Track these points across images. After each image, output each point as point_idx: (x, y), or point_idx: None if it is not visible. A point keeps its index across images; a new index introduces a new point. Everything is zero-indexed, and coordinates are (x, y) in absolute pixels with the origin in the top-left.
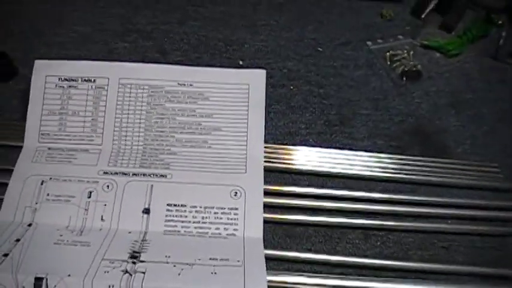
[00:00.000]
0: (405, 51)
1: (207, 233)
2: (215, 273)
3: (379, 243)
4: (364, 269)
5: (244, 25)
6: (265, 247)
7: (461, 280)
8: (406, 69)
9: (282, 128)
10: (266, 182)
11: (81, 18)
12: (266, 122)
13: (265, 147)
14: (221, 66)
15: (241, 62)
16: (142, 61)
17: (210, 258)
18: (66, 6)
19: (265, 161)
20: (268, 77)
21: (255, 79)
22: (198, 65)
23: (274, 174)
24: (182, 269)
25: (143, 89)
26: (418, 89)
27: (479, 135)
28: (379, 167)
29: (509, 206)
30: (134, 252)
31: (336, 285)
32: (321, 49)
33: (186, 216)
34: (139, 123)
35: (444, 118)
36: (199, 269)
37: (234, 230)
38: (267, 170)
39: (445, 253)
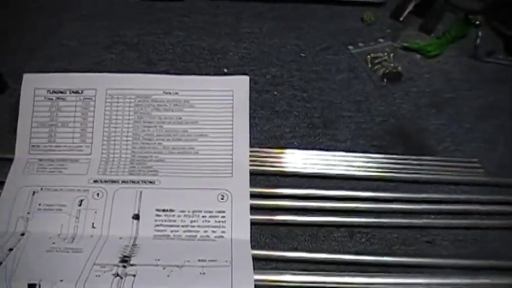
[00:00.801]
0: (386, 54)
1: (195, 236)
2: (204, 273)
3: (363, 240)
4: (350, 265)
5: (228, 33)
6: (253, 248)
7: (445, 272)
8: (386, 71)
9: (266, 133)
10: (252, 185)
11: (68, 32)
12: (251, 127)
13: (250, 151)
14: (206, 74)
15: (226, 70)
16: (129, 72)
17: (199, 260)
18: (53, 20)
19: (251, 165)
20: (253, 83)
21: (239, 85)
22: (183, 73)
23: (260, 177)
24: (171, 271)
25: (130, 98)
26: (399, 90)
27: (459, 133)
28: (362, 167)
29: (490, 200)
30: (125, 256)
31: (321, 282)
32: (303, 54)
33: (174, 221)
34: (127, 132)
35: (425, 117)
36: (188, 270)
37: (222, 232)
38: (253, 174)
39: (429, 247)
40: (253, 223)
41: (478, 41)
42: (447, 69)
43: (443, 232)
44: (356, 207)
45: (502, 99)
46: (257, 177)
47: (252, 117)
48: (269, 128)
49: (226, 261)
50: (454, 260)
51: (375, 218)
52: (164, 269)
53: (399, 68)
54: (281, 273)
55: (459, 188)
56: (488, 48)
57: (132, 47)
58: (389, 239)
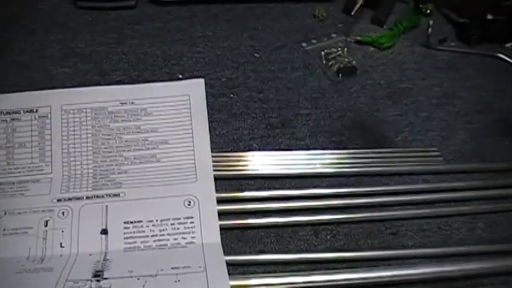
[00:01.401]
0: (339, 49)
1: (166, 244)
2: (178, 280)
3: (329, 237)
4: (317, 264)
5: (181, 38)
6: None
7: (412, 263)
8: (341, 66)
9: (225, 136)
10: (215, 190)
11: (19, 47)
12: (210, 131)
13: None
14: (161, 81)
15: (180, 76)
16: (84, 85)
17: (172, 268)
18: (2, 36)
19: (215, 169)
20: (208, 87)
21: (195, 89)
22: (138, 82)
23: (222, 182)
24: (146, 281)
25: (86, 112)
26: (354, 84)
27: (417, 123)
28: (323, 164)
29: (451, 187)
30: (97, 271)
31: (290, 283)
32: (257, 55)
33: (143, 231)
34: (87, 146)
35: (382, 109)
36: (163, 279)
37: (192, 238)
38: (215, 179)
39: (394, 239)
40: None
41: (430, 30)
42: (401, 60)
43: (407, 223)
44: (319, 204)
45: (457, 86)
46: (218, 182)
47: (209, 121)
48: (227, 132)
49: (200, 266)
50: (419, 250)
51: (339, 214)
52: (138, 279)
53: (353, 62)
54: (249, 278)
55: (420, 177)
56: (440, 36)
57: (84, 59)
58: (355, 234)
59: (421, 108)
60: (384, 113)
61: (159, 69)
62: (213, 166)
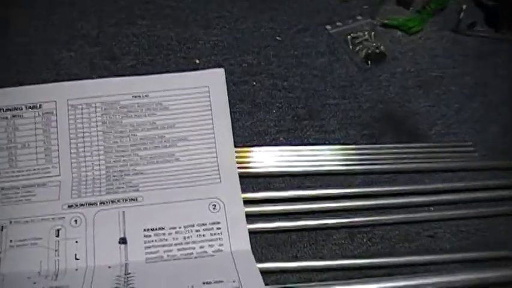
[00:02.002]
0: (366, 33)
1: (191, 253)
2: None
3: (365, 240)
4: (353, 270)
5: (196, 20)
6: None
7: (452, 268)
8: (369, 51)
9: (249, 129)
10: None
11: (19, 28)
12: (232, 123)
13: (235, 151)
14: (177, 68)
15: (197, 61)
16: (92, 70)
17: (204, 283)
18: (0, 15)
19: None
20: (228, 74)
21: (214, 80)
22: (152, 67)
23: (248, 180)
24: None
25: (95, 107)
26: (383, 72)
27: (450, 114)
28: (356, 160)
29: (488, 186)
30: None
31: None
32: (279, 38)
33: (166, 240)
34: (98, 145)
35: (413, 100)
36: None
37: (220, 245)
38: (239, 177)
39: (432, 242)
40: None
41: (462, 14)
42: (430, 46)
43: (444, 224)
44: (354, 205)
45: (488, 75)
46: (244, 180)
47: (231, 112)
48: (252, 124)
49: (234, 281)
50: (459, 254)
51: (375, 215)
52: None
53: (382, 48)
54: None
55: (456, 174)
56: (468, 20)
57: (92, 41)
58: (391, 237)
59: (453, 98)
60: (415, 103)
61: (174, 54)
62: (237, 163)
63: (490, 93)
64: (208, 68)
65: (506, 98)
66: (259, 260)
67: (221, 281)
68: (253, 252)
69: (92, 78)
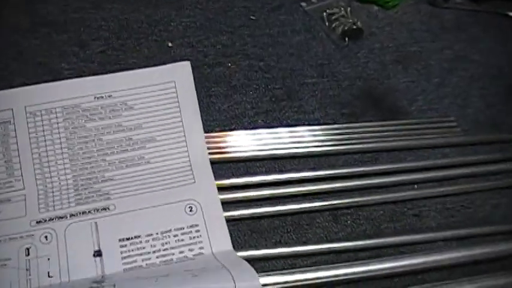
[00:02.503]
0: (342, 9)
1: (171, 260)
2: (196, 275)
3: (349, 221)
4: (339, 253)
5: (167, 1)
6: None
7: (438, 247)
8: (346, 28)
9: (226, 112)
10: (218, 176)
11: None
12: (208, 107)
13: (211, 136)
14: (149, 52)
15: (170, 44)
16: (60, 58)
17: (185, 270)
18: None
19: (213, 152)
20: (202, 56)
21: (180, 73)
22: (123, 53)
23: (227, 166)
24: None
25: (56, 112)
26: (361, 48)
27: (430, 90)
28: (337, 140)
29: (471, 161)
30: None
31: (315, 278)
32: (253, 17)
33: (143, 248)
34: (62, 153)
35: (393, 76)
36: (177, 277)
37: (200, 248)
38: (217, 162)
39: (417, 220)
40: (226, 220)
41: None
42: (407, 20)
43: (429, 202)
44: (337, 187)
45: (467, 48)
46: (223, 165)
47: (207, 95)
48: (229, 107)
49: (217, 266)
50: (446, 232)
51: (358, 196)
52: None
53: (359, 24)
54: (270, 275)
55: (439, 151)
56: None
57: (59, 28)
58: (376, 217)
59: (433, 73)
60: (395, 80)
61: (145, 37)
62: (213, 147)
63: (470, 66)
64: (181, 52)
65: (487, 71)
66: (242, 247)
67: (204, 268)
68: (236, 239)
69: (50, 81)
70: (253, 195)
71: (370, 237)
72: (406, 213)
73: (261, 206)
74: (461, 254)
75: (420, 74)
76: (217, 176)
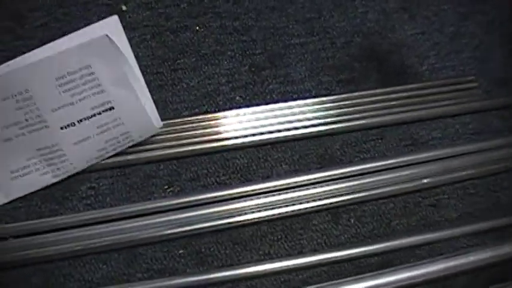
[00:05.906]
0: None
1: None
2: None
3: (352, 221)
4: (342, 262)
5: None
6: (210, 264)
7: (460, 245)
8: None
9: (196, 89)
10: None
11: None
12: (174, 84)
13: (177, 122)
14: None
15: (124, 7)
16: None
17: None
18: None
19: (182, 144)
20: (164, 20)
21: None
22: (68, 23)
23: (199, 159)
24: None
25: None
26: None
27: (443, 42)
28: (333, 115)
29: (496, 129)
30: None
31: None
32: None
33: None
34: None
35: (398, 27)
36: None
37: None
38: (190, 156)
39: (434, 212)
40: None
41: None
42: None
43: (447, 189)
44: (335, 174)
45: None
46: (195, 159)
47: (172, 70)
48: (199, 82)
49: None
50: (469, 227)
51: (361, 191)
52: None
53: None
54: None
55: (456, 120)
56: None
57: None
58: (385, 212)
59: (446, 21)
60: (401, 32)
61: (94, 1)
62: (184, 138)
63: (489, 9)
64: (138, 17)
65: (509, 16)
66: (221, 264)
67: None
68: (216, 254)
69: None
70: (231, 194)
71: (378, 237)
72: (420, 203)
73: (242, 212)
74: (489, 255)
75: (430, 23)
76: (190, 171)
